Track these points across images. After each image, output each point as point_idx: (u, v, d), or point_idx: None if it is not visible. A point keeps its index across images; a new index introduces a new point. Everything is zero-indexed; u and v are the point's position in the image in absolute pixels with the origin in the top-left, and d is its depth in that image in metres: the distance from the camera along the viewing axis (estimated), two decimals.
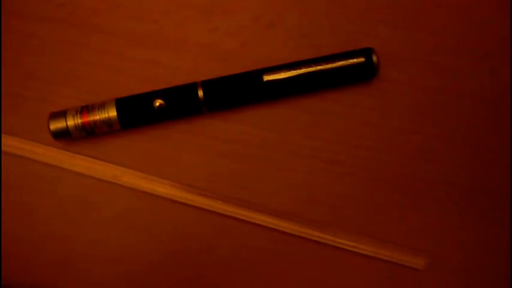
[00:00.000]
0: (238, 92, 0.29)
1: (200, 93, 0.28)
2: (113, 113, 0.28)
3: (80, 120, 0.28)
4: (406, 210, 0.29)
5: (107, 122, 0.28)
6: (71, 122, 0.28)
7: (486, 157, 0.29)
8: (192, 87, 0.29)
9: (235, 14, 0.31)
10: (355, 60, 0.28)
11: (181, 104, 0.29)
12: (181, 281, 0.29)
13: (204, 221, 0.29)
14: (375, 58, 0.28)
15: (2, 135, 0.30)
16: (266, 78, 0.29)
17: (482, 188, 0.29)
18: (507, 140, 0.29)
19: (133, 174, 0.29)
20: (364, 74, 0.29)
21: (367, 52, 0.28)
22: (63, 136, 0.29)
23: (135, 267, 0.29)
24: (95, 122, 0.28)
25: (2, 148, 0.30)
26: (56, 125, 0.28)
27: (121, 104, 0.29)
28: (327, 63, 0.28)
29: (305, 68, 0.28)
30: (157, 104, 0.28)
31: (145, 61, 0.30)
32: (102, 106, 0.29)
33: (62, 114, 0.28)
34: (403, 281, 0.29)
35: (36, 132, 0.30)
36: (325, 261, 0.29)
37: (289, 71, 0.28)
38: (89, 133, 0.29)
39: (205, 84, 0.29)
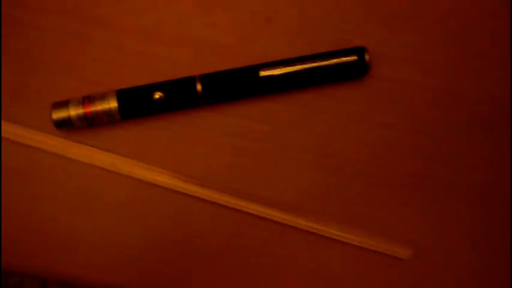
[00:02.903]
0: (235, 86, 0.30)
1: (198, 86, 0.30)
2: (113, 103, 0.29)
3: (81, 111, 0.29)
4: (393, 203, 0.30)
5: (108, 113, 0.29)
6: (73, 112, 0.29)
7: (472, 153, 0.31)
8: (190, 80, 0.30)
9: (233, 9, 0.32)
10: (348, 58, 0.29)
11: (180, 96, 0.30)
12: (178, 267, 0.30)
13: (199, 210, 0.30)
14: (367, 57, 0.29)
15: (5, 123, 0.31)
16: (262, 73, 0.30)
17: (466, 181, 0.30)
18: (488, 135, 0.31)
19: (132, 163, 0.30)
20: (357, 71, 0.30)
21: (359, 51, 0.30)
22: (65, 125, 0.29)
23: (134, 252, 0.30)
24: (96, 113, 0.29)
25: (5, 135, 0.30)
26: (59, 114, 0.29)
27: (121, 95, 0.30)
28: (321, 61, 0.29)
29: (300, 64, 0.29)
30: (157, 96, 0.29)
31: (145, 54, 0.31)
32: (103, 97, 0.29)
33: (64, 104, 0.29)
34: (388, 270, 0.30)
35: (39, 121, 0.31)
36: (314, 250, 0.30)
37: (285, 67, 0.29)
38: (90, 123, 0.30)
39: (204, 78, 0.30)
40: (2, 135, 0.30)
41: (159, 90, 0.30)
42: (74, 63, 0.31)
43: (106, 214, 0.31)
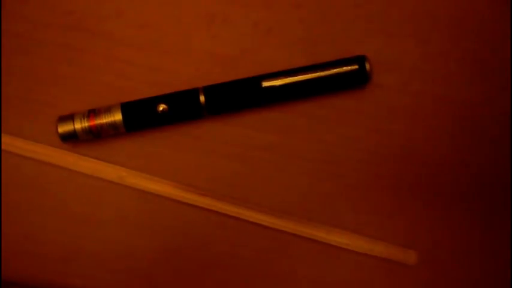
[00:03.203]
0: (238, 97, 0.30)
1: (202, 98, 0.30)
2: (118, 116, 0.30)
3: (87, 124, 0.30)
4: (396, 209, 0.31)
5: (113, 126, 0.30)
6: (78, 125, 0.30)
7: (474, 159, 0.31)
8: (194, 92, 0.30)
9: (235, 21, 0.32)
10: (349, 67, 0.30)
11: (184, 108, 0.30)
12: (183, 277, 0.31)
13: (204, 220, 0.31)
14: (367, 65, 0.30)
15: (10, 137, 0.31)
16: (265, 84, 0.30)
17: (469, 187, 0.31)
18: (489, 142, 0.31)
19: (137, 175, 0.31)
20: (358, 80, 0.30)
21: (360, 60, 0.30)
22: (70, 139, 0.30)
23: (140, 264, 0.31)
24: (101, 126, 0.30)
25: (11, 149, 0.31)
26: (64, 128, 0.30)
27: (126, 108, 0.30)
28: (323, 71, 0.30)
29: (301, 75, 0.30)
30: (161, 108, 0.30)
31: (149, 67, 0.32)
32: (108, 110, 0.30)
33: (69, 117, 0.30)
34: (394, 277, 0.30)
35: (44, 135, 0.31)
36: (319, 258, 0.31)
37: (287, 77, 0.30)
38: (95, 136, 0.30)
39: (207, 90, 0.30)
40: (8, 149, 0.31)
41: (163, 102, 0.30)
42: (77, 76, 0.32)
43: (111, 225, 0.31)
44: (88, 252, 0.31)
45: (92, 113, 0.30)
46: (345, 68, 0.30)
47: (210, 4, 0.32)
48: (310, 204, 0.31)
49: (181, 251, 0.31)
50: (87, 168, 0.31)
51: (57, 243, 0.31)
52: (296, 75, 0.30)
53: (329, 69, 0.30)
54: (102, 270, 0.31)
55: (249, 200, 0.31)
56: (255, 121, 0.31)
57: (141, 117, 0.30)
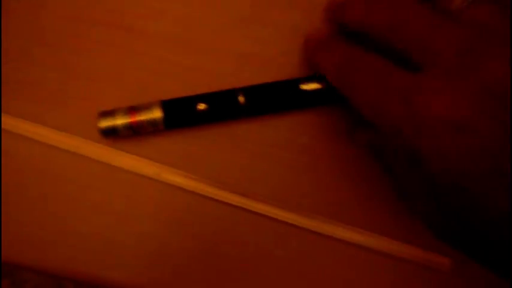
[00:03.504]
0: (276, 98, 0.31)
1: (241, 98, 0.30)
2: (158, 114, 0.30)
3: (128, 120, 0.30)
4: None
5: (152, 123, 0.30)
6: (119, 121, 0.30)
7: None
8: (233, 92, 0.31)
9: (274, 23, 0.32)
10: None
11: (223, 108, 0.31)
12: (214, 275, 0.31)
13: (236, 218, 0.31)
14: None
15: (52, 129, 0.31)
16: (303, 87, 0.30)
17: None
18: None
19: (173, 172, 0.31)
20: None
21: None
22: (111, 134, 0.30)
23: (172, 260, 0.31)
24: (141, 122, 0.30)
25: (51, 143, 0.31)
26: (105, 123, 0.30)
27: (166, 106, 0.30)
28: None
29: None
30: (201, 107, 0.30)
31: (188, 66, 0.32)
32: (148, 107, 0.30)
33: (111, 113, 0.30)
34: (429, 282, 0.31)
35: (84, 129, 0.31)
36: (357, 262, 0.31)
37: (325, 81, 0.30)
38: (135, 132, 0.31)
39: (246, 91, 0.31)
40: (47, 141, 0.31)
41: (202, 101, 0.30)
42: (117, 73, 0.32)
43: (147, 220, 0.31)
44: (124, 246, 0.31)
45: (133, 109, 0.30)
46: None
47: (250, 5, 0.32)
48: (348, 207, 0.31)
49: (213, 247, 0.31)
50: (126, 164, 0.31)
51: (96, 236, 0.31)
52: None
53: None
54: (137, 264, 0.31)
55: (285, 200, 0.31)
56: (292, 123, 0.32)
57: (181, 115, 0.31)
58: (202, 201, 0.31)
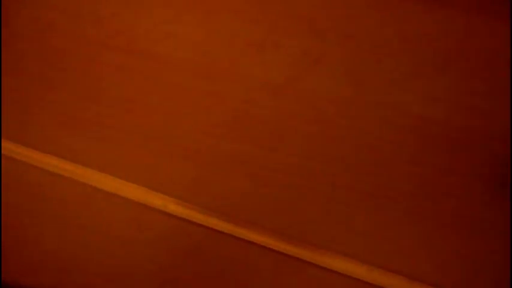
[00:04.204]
0: None
1: None
2: None
3: None
4: (435, 247, 0.30)
5: None
6: None
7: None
8: None
9: (284, 49, 0.32)
10: None
11: None
12: None
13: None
14: None
15: (52, 157, 0.31)
16: None
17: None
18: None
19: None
20: None
21: None
22: None
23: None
24: None
25: (55, 170, 0.31)
26: None
27: None
28: None
29: None
30: None
31: (198, 89, 0.32)
32: None
33: None
34: None
35: (89, 154, 0.31)
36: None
37: None
38: None
39: None
40: (49, 168, 0.31)
41: None
42: (125, 96, 0.32)
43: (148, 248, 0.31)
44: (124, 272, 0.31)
45: None
46: None
47: (261, 31, 0.32)
48: (347, 238, 0.31)
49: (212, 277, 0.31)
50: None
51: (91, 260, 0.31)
52: None
53: None
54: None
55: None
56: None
57: None
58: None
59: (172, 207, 0.31)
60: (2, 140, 0.31)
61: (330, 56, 0.32)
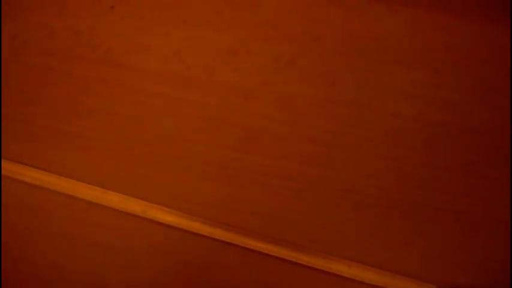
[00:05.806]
0: None
1: None
2: None
3: None
4: (418, 241, 0.31)
5: None
6: None
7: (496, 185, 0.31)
8: None
9: (257, 54, 0.33)
10: None
11: None
12: None
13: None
14: None
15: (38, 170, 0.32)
16: None
17: (485, 217, 0.31)
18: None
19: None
20: None
21: None
22: None
23: None
24: None
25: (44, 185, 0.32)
26: None
27: None
28: None
29: None
30: None
31: (174, 98, 0.33)
32: None
33: None
34: None
35: (71, 167, 0.32)
36: None
37: None
38: None
39: None
40: (35, 182, 0.32)
41: None
42: (104, 108, 0.33)
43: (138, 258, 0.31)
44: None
45: None
46: None
47: (233, 37, 0.33)
48: (329, 238, 0.31)
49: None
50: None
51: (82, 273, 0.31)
52: None
53: None
54: None
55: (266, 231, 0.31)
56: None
57: None
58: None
59: (151, 212, 0.31)
60: None
61: (301, 59, 0.33)
